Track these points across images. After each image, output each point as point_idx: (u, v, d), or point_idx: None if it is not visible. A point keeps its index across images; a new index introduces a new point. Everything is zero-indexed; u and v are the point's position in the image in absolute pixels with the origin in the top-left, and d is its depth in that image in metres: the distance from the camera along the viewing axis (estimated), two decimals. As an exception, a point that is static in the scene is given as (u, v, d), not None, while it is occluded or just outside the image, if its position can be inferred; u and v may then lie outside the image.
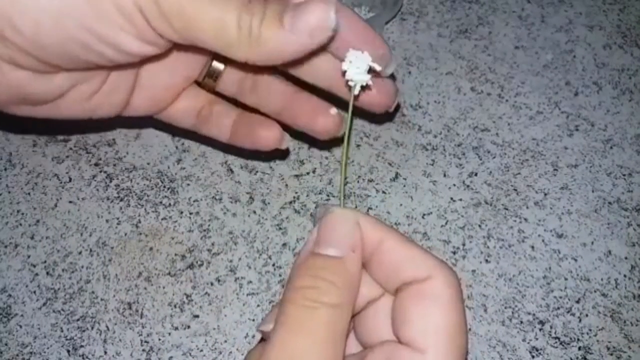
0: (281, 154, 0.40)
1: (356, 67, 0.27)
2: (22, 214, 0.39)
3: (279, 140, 0.34)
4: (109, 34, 0.26)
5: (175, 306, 0.36)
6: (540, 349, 0.35)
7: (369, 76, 0.28)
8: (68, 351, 0.35)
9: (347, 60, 0.28)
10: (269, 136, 0.34)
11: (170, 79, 0.34)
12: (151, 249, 0.38)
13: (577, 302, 0.36)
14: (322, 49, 0.29)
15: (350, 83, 0.28)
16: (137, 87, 0.33)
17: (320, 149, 0.41)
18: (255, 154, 0.40)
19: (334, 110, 0.34)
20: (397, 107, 0.42)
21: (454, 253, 0.38)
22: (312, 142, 0.42)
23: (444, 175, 0.41)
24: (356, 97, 0.28)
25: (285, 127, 0.35)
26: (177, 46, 0.29)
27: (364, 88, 0.28)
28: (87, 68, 0.29)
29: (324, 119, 0.34)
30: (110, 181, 0.40)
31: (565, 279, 0.37)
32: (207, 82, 0.35)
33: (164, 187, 0.40)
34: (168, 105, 0.35)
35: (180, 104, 0.35)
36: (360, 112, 0.34)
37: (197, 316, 0.36)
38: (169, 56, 0.33)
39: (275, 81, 0.35)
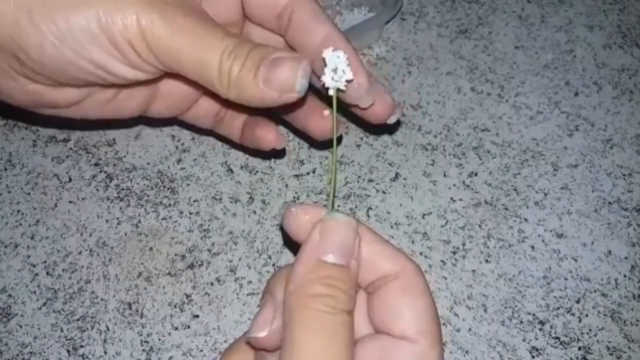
0: (279, 153, 0.41)
1: (331, 70, 0.28)
2: (22, 214, 0.39)
3: (275, 140, 0.36)
4: (103, 62, 0.29)
5: (175, 306, 0.36)
6: (540, 349, 0.35)
7: (343, 81, 0.28)
8: (68, 351, 0.35)
9: (325, 67, 0.28)
10: (265, 137, 0.36)
11: (188, 88, 0.35)
12: (151, 249, 0.38)
13: (577, 302, 0.36)
14: (301, 103, 0.30)
15: (330, 91, 0.28)
16: (157, 95, 0.35)
17: (319, 149, 0.41)
18: (257, 153, 0.40)
19: (327, 112, 0.34)
20: (398, 123, 0.42)
21: (454, 253, 0.38)
22: (312, 142, 0.42)
23: (444, 175, 0.41)
24: (339, 102, 0.29)
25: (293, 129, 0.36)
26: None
27: (340, 90, 0.29)
28: (90, 85, 0.31)
29: (316, 121, 0.34)
30: (110, 181, 0.40)
31: (565, 279, 0.37)
32: None
33: (164, 187, 0.40)
34: (188, 109, 0.37)
35: (200, 106, 0.37)
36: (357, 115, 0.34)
37: (197, 316, 0.36)
38: None
39: None
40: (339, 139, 0.42)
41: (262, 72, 0.28)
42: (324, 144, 0.41)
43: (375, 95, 0.32)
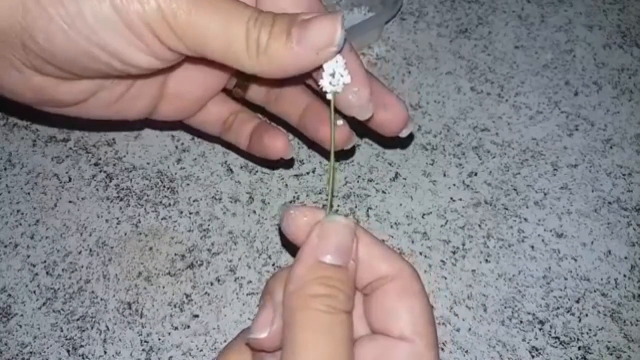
0: (286, 164, 0.40)
1: (329, 74, 0.28)
2: (22, 214, 0.39)
3: (283, 149, 0.35)
4: (118, 50, 0.27)
5: (175, 306, 0.36)
6: (540, 349, 0.35)
7: (341, 84, 0.28)
8: (68, 351, 0.35)
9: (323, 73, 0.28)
10: (274, 145, 0.35)
11: (197, 90, 0.35)
12: (151, 249, 0.38)
13: (577, 302, 0.36)
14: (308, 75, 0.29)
15: (328, 96, 0.28)
16: (165, 96, 0.34)
17: (320, 149, 0.41)
18: (263, 161, 0.40)
19: (340, 122, 0.33)
20: (411, 137, 0.41)
21: (454, 253, 0.38)
22: (313, 143, 0.42)
23: (444, 175, 0.41)
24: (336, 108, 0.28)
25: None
26: (201, 60, 0.29)
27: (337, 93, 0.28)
28: (101, 77, 0.30)
29: (327, 131, 0.33)
30: (110, 181, 0.40)
31: (565, 279, 0.37)
32: (236, 91, 0.36)
33: (164, 187, 0.40)
34: (196, 112, 0.36)
35: (208, 111, 0.36)
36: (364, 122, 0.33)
37: (197, 316, 0.36)
38: (195, 69, 0.33)
39: (299, 92, 0.35)
40: (352, 150, 0.41)
41: (294, 34, 0.26)
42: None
43: (384, 105, 0.31)
